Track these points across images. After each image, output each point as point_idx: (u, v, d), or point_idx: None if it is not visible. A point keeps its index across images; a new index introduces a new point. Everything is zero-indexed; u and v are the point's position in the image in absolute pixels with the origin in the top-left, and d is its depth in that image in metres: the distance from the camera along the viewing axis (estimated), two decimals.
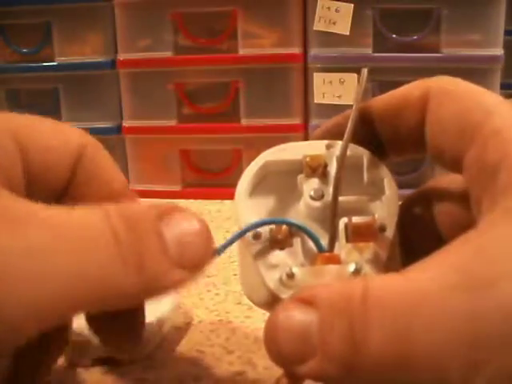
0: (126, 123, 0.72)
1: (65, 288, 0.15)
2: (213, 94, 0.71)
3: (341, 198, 0.23)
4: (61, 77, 0.73)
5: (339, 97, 0.66)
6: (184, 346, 0.35)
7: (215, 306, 0.40)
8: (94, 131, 0.25)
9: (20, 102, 0.77)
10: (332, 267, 0.21)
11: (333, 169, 0.24)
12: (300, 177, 0.24)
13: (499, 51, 0.63)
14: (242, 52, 0.67)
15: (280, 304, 0.19)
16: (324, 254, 0.22)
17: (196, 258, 0.19)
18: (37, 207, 0.17)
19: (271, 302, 0.22)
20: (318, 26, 0.65)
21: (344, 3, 0.64)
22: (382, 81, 0.66)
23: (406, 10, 0.65)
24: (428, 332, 0.16)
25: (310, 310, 0.18)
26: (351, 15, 0.64)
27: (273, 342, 0.18)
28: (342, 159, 0.23)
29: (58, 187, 0.23)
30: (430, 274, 0.16)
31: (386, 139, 0.25)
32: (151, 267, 0.17)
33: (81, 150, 0.23)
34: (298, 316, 0.18)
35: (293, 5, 0.66)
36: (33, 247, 0.15)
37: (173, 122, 0.71)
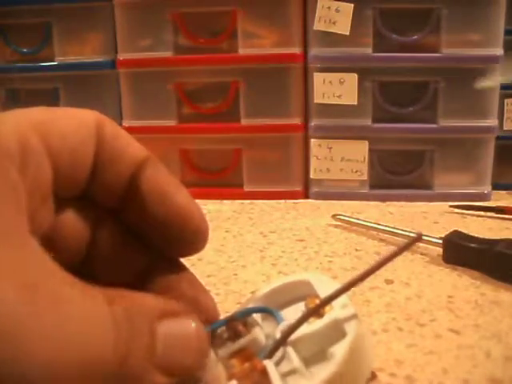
0: (125, 123, 0.72)
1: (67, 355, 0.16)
2: (213, 94, 0.71)
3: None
4: (61, 77, 0.73)
5: (339, 97, 0.66)
6: None
7: None
8: None
9: (20, 102, 0.77)
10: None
11: (313, 325, 0.25)
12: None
13: (499, 51, 0.63)
14: (241, 52, 0.67)
15: None
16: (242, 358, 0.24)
17: (182, 365, 0.19)
18: (67, 287, 0.18)
19: None
20: (318, 25, 0.65)
21: (344, 3, 0.64)
22: (382, 81, 0.66)
23: (406, 10, 0.65)
24: None
25: None
26: (351, 15, 0.64)
27: None
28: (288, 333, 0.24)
29: (84, 173, 0.23)
30: None
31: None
32: (134, 363, 0.17)
33: (99, 129, 0.23)
34: None
35: (293, 5, 0.66)
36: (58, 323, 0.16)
37: (173, 122, 0.71)
